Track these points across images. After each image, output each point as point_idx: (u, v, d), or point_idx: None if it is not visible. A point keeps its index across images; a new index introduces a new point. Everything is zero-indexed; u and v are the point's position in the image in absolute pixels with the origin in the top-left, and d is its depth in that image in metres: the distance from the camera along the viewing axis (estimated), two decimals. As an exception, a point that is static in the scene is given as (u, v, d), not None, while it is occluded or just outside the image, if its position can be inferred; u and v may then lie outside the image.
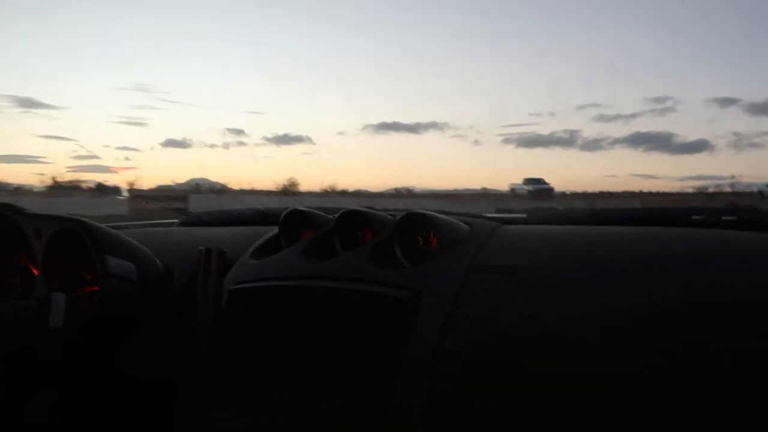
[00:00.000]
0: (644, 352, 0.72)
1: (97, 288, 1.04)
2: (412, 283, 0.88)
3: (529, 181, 26.93)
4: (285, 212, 1.15)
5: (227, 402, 0.88)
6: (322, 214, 1.15)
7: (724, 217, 1.03)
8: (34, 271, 1.13)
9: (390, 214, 1.08)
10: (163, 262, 1.16)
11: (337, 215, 1.08)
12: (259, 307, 0.99)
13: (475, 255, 0.92)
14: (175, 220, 1.62)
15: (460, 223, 1.03)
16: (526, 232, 1.04)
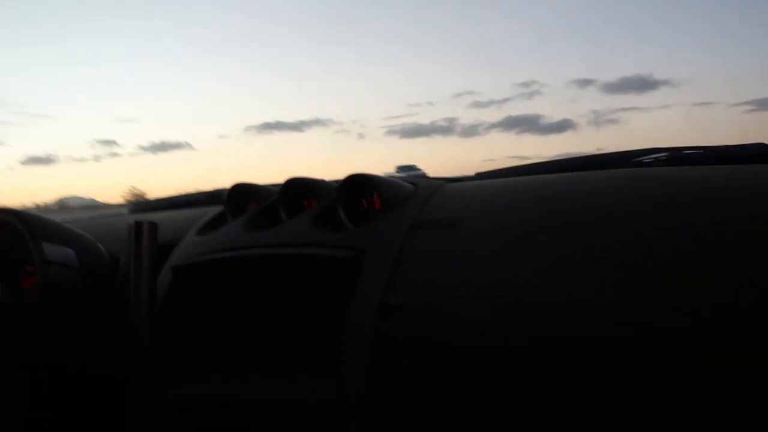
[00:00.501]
0: (594, 297, 0.70)
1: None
2: (356, 242, 0.87)
3: (402, 169, 27.35)
4: (230, 187, 1.13)
5: (177, 378, 0.86)
6: (269, 187, 1.14)
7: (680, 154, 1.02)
8: None
9: (336, 182, 1.06)
10: (109, 250, 1.13)
11: (281, 185, 1.06)
12: (204, 282, 0.97)
13: (419, 212, 0.92)
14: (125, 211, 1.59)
15: (404, 183, 1.02)
16: (471, 187, 1.04)
